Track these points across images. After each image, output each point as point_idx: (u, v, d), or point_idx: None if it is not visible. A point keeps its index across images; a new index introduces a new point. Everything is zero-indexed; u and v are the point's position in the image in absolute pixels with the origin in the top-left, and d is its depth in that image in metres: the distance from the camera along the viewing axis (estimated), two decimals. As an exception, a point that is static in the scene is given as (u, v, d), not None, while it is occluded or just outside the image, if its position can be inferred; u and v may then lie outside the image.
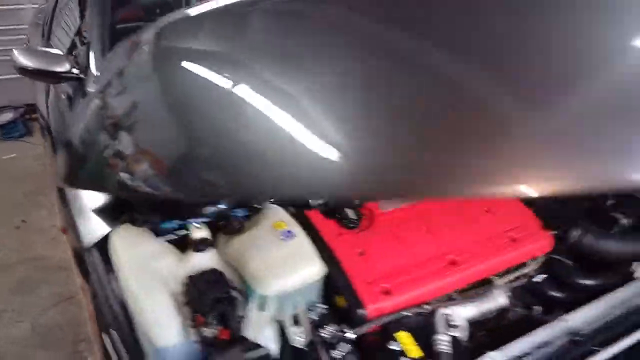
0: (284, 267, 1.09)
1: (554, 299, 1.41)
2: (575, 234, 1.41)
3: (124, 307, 1.17)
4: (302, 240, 1.15)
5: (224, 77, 0.80)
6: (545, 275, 1.41)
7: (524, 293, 1.41)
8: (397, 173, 0.66)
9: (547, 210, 1.46)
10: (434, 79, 0.70)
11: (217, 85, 0.80)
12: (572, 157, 0.65)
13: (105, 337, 1.22)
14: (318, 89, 0.71)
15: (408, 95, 0.69)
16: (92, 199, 1.41)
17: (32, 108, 4.42)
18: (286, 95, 0.73)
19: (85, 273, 1.41)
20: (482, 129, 0.66)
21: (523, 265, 1.38)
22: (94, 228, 1.32)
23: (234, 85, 0.78)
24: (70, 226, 1.49)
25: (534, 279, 1.41)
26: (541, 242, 1.37)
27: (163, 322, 1.06)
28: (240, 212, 1.28)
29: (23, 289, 2.74)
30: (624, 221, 1.53)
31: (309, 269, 1.10)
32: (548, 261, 1.42)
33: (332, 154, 0.67)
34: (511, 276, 1.36)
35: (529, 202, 1.46)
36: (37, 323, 2.50)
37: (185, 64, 0.85)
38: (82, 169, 1.13)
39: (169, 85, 0.88)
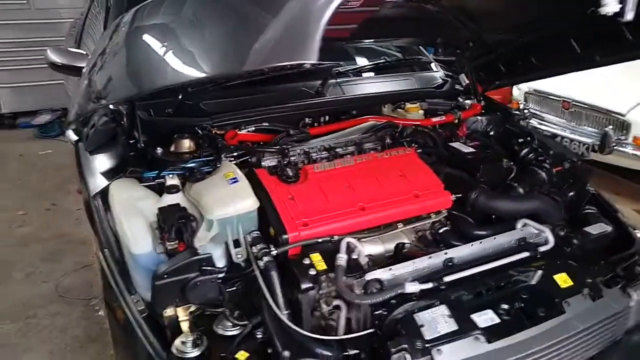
0: (226, 200, 1.50)
1: (454, 246, 1.75)
2: (472, 195, 1.77)
3: (114, 234, 1.59)
4: (243, 184, 1.56)
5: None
6: (447, 228, 1.76)
7: (432, 241, 1.76)
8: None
9: (455, 179, 1.84)
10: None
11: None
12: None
13: (100, 255, 1.65)
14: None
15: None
16: (97, 163, 1.85)
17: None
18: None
19: (91, 219, 1.83)
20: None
21: (428, 217, 1.75)
22: (99, 182, 1.76)
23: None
24: (83, 184, 1.92)
25: (440, 230, 1.76)
26: (441, 200, 1.74)
27: (138, 237, 1.49)
28: (204, 168, 1.70)
29: (50, 258, 3.22)
30: (520, 189, 1.89)
31: (245, 202, 1.51)
32: (451, 216, 1.78)
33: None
34: (416, 224, 1.73)
35: (437, 172, 1.83)
36: (60, 284, 2.96)
37: (142, 35, 1.25)
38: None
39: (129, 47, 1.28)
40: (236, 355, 1.37)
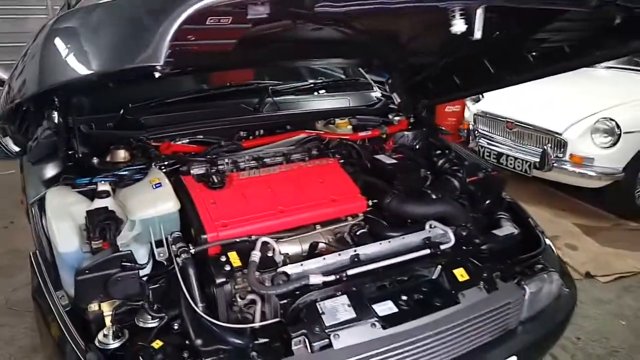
0: (148, 203, 1.63)
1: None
2: (386, 200, 1.93)
3: (47, 237, 1.70)
4: (166, 189, 1.70)
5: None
6: (364, 230, 1.91)
7: (348, 242, 1.89)
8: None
9: (373, 186, 2.00)
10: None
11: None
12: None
13: (32, 256, 1.75)
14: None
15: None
16: (38, 173, 1.96)
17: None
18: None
19: (30, 224, 1.93)
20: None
21: (345, 220, 1.89)
22: (38, 191, 1.86)
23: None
24: (23, 194, 2.03)
25: (357, 232, 1.90)
26: (356, 204, 1.90)
27: (66, 237, 1.59)
28: (136, 176, 1.83)
29: (2, 273, 3.27)
30: (432, 196, 2.05)
31: (166, 205, 1.64)
32: (367, 219, 1.93)
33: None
34: (333, 227, 1.87)
35: (355, 179, 1.99)
36: (10, 297, 3.01)
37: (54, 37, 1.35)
38: None
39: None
40: (152, 344, 1.48)
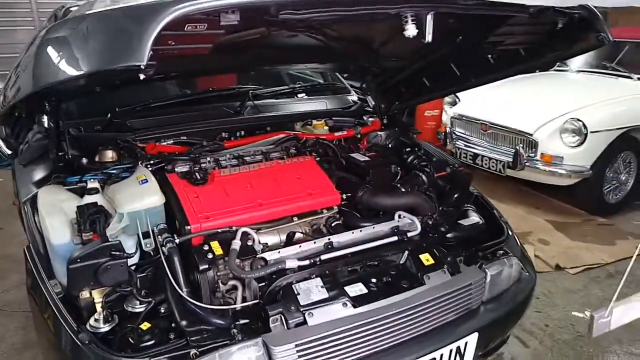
0: (135, 197, 1.75)
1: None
2: (359, 193, 2.07)
3: (40, 232, 1.81)
4: (152, 184, 1.82)
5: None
6: (339, 222, 2.04)
7: (324, 233, 2.03)
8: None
9: (346, 181, 2.14)
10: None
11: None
12: None
13: (26, 250, 1.86)
14: None
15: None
16: (30, 174, 2.07)
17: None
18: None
19: (23, 224, 2.04)
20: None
21: (321, 212, 2.03)
22: (29, 190, 1.97)
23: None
24: (16, 194, 2.14)
25: (332, 224, 2.04)
26: (330, 198, 2.04)
27: (58, 230, 1.71)
28: (123, 174, 1.96)
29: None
30: (402, 189, 2.20)
31: (151, 199, 1.77)
32: (342, 212, 2.07)
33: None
34: (310, 218, 2.01)
35: (330, 175, 2.13)
36: (1, 298, 3.10)
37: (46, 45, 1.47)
38: None
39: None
40: (140, 327, 1.60)
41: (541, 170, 4.24)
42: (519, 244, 2.26)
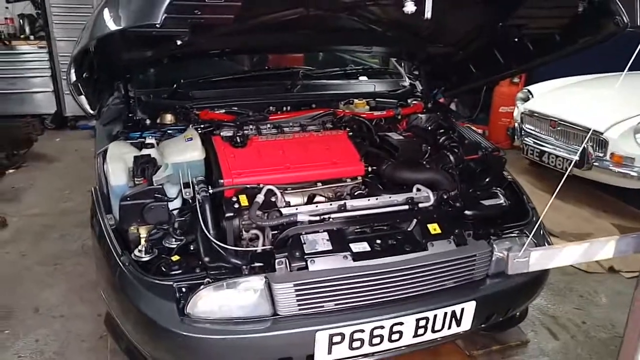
0: (179, 151, 2.05)
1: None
2: (383, 167, 2.23)
3: (105, 176, 2.17)
4: (196, 142, 2.11)
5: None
6: (363, 191, 2.21)
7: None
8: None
9: (374, 155, 2.30)
10: None
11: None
12: None
13: (93, 190, 2.23)
14: None
15: None
16: (106, 131, 2.46)
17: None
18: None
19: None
20: None
21: (345, 181, 2.21)
22: (103, 144, 2.35)
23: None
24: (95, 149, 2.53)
25: (355, 192, 2.21)
26: (354, 168, 2.21)
27: (117, 174, 2.05)
28: (177, 134, 2.28)
29: (82, 225, 3.86)
30: (427, 166, 2.31)
31: (193, 153, 2.05)
32: (366, 183, 2.24)
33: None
34: (333, 185, 2.20)
35: (359, 149, 2.30)
36: (85, 244, 3.60)
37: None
38: None
39: None
40: (172, 257, 1.89)
41: (610, 171, 4.06)
42: (542, 230, 2.28)
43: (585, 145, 4.12)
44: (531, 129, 4.83)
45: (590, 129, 4.15)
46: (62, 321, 2.79)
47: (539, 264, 1.03)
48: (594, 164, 4.11)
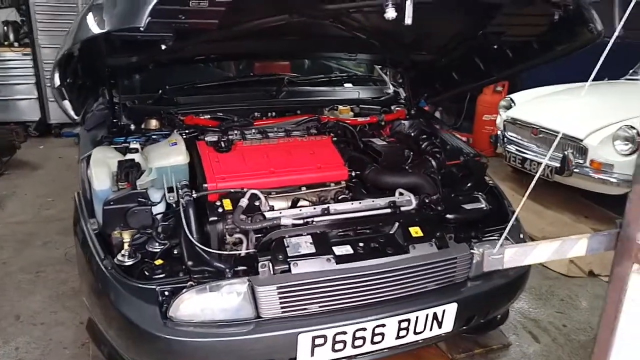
0: (163, 155, 2.06)
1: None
2: (366, 171, 2.26)
3: (89, 181, 2.17)
4: (180, 147, 2.12)
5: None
6: (346, 195, 2.24)
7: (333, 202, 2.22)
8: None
9: (357, 160, 2.33)
10: None
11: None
12: None
13: (76, 195, 2.22)
14: None
15: None
16: (90, 137, 2.45)
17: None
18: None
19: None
20: None
21: (329, 185, 2.24)
22: (87, 150, 2.34)
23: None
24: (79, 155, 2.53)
25: (339, 197, 2.23)
26: (338, 173, 2.24)
27: (100, 178, 2.05)
28: (161, 139, 2.28)
29: (65, 232, 3.83)
30: (409, 171, 2.35)
31: (177, 158, 2.06)
32: (349, 187, 2.26)
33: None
34: (317, 190, 2.22)
35: (342, 154, 2.33)
36: (69, 251, 3.57)
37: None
38: None
39: None
40: (155, 262, 1.89)
41: (590, 177, 4.14)
42: (522, 233, 2.32)
43: (566, 153, 4.20)
44: (513, 137, 4.91)
45: (570, 136, 4.24)
46: (43, 329, 2.76)
47: (514, 261, 1.06)
48: (574, 170, 4.19)
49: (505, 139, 4.96)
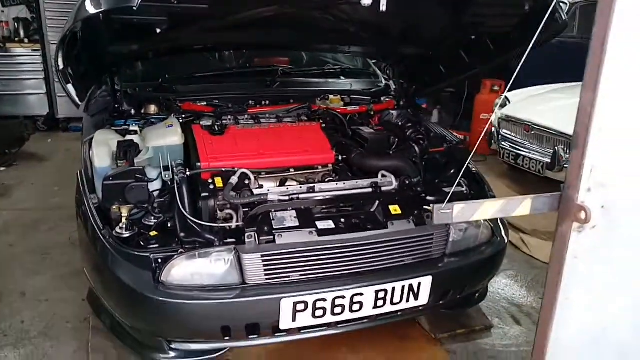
0: (160, 136, 2.20)
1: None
2: (351, 155, 2.39)
3: (90, 161, 2.31)
4: (176, 128, 2.27)
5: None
6: (332, 178, 2.36)
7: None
8: None
9: (344, 145, 2.46)
10: None
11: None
12: None
13: (78, 173, 2.36)
14: None
15: None
16: (93, 121, 2.60)
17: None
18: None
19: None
20: None
21: (316, 168, 2.37)
22: (90, 133, 2.49)
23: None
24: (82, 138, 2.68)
25: (326, 179, 2.36)
26: (325, 156, 2.37)
27: (101, 157, 2.19)
28: (156, 121, 2.43)
29: (70, 219, 3.95)
30: (392, 155, 2.48)
31: (172, 138, 2.21)
32: (336, 170, 2.39)
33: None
34: (305, 172, 2.35)
35: (330, 139, 2.46)
36: (72, 236, 3.71)
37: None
38: None
39: None
40: (150, 233, 2.03)
41: (580, 172, 4.23)
42: (503, 221, 2.43)
43: (557, 149, 4.30)
44: (508, 134, 5.02)
45: (561, 132, 4.35)
46: (47, 305, 2.90)
47: (462, 216, 1.18)
48: (565, 166, 4.29)
49: (500, 136, 5.07)
